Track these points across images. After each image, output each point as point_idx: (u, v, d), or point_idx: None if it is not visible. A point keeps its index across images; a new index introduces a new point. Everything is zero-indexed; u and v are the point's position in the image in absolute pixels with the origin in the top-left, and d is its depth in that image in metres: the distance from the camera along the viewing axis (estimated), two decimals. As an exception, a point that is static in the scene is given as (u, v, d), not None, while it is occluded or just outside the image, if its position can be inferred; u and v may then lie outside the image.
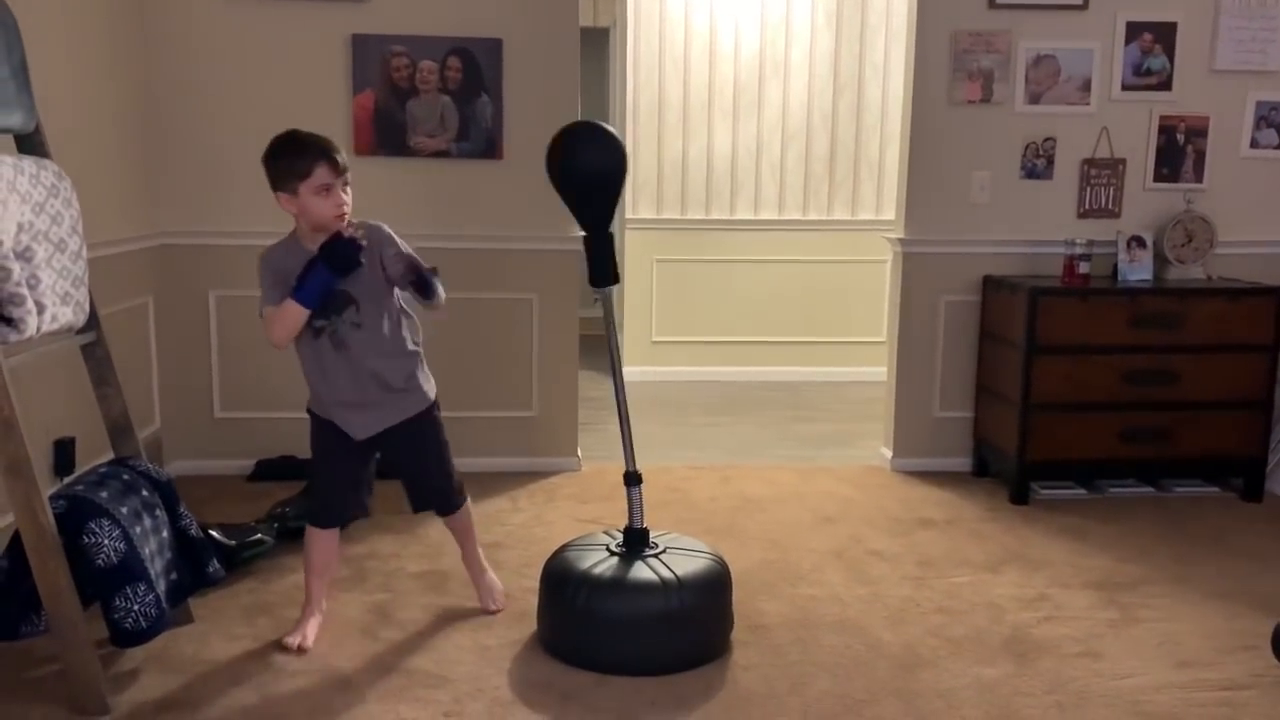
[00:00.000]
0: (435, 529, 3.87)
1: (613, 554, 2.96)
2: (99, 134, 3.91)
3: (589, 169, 2.87)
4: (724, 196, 6.65)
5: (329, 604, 3.22)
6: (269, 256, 2.83)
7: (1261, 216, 4.64)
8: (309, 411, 2.97)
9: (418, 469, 3.06)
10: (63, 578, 2.51)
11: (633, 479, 3.05)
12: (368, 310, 2.83)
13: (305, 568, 3.03)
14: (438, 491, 3.11)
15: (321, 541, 3.00)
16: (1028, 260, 4.58)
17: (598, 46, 7.37)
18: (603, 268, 2.98)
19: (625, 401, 3.09)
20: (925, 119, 4.52)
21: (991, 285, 4.52)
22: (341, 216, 2.75)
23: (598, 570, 2.89)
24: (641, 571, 2.88)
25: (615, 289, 3.08)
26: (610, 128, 2.94)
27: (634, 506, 3.03)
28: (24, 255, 2.57)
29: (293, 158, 2.70)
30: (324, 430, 2.94)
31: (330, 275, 2.72)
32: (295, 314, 2.74)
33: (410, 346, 2.94)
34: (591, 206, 2.93)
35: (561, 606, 2.90)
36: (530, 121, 4.44)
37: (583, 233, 3.02)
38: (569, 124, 3.00)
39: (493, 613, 3.16)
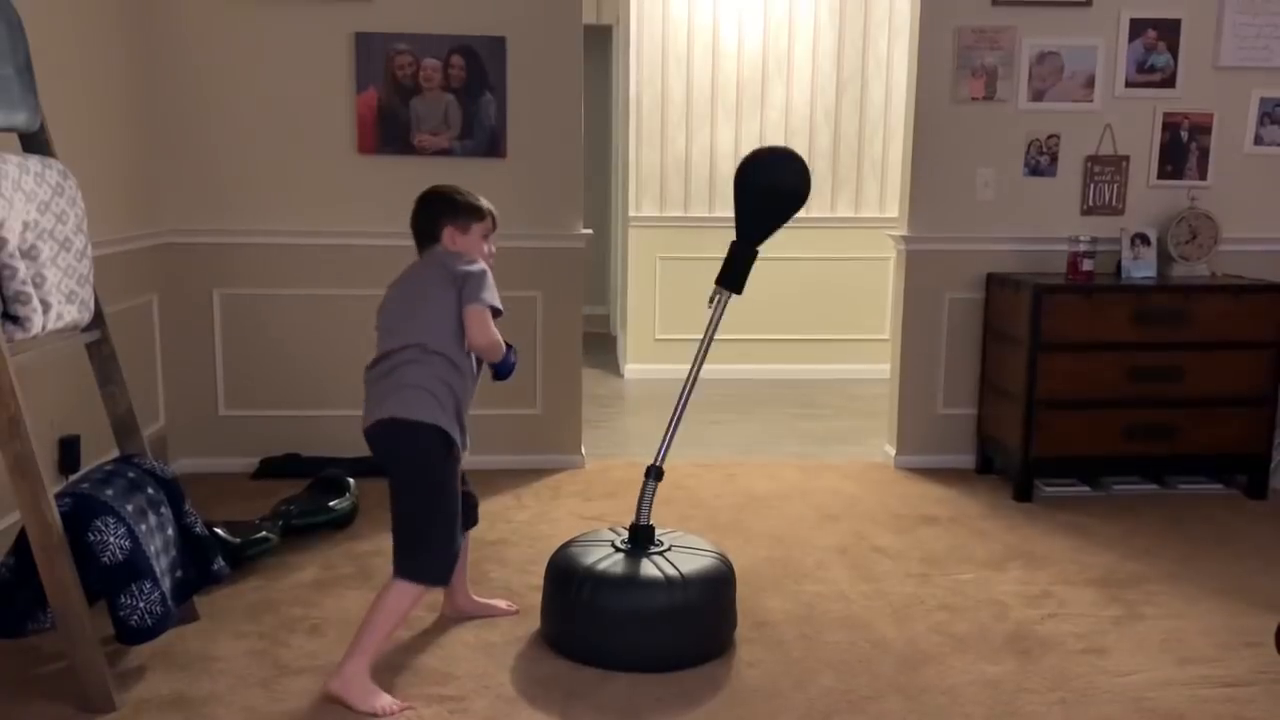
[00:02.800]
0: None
1: (617, 550, 2.97)
2: (104, 133, 3.92)
3: (773, 187, 3.07)
4: (727, 194, 6.58)
5: (334, 603, 3.23)
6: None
7: (1265, 213, 4.64)
8: (434, 432, 2.67)
9: (466, 479, 2.96)
10: (69, 575, 2.52)
11: (652, 472, 3.07)
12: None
13: (390, 630, 2.69)
14: (475, 500, 3.07)
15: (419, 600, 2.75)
16: (1032, 257, 4.58)
17: (601, 44, 7.37)
18: (739, 277, 3.19)
19: (686, 398, 3.20)
20: (929, 116, 4.52)
21: (995, 282, 4.52)
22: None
23: (602, 566, 2.89)
24: (646, 568, 2.89)
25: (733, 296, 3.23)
26: (803, 159, 3.10)
27: (644, 500, 3.03)
28: (29, 254, 2.58)
29: (471, 206, 2.84)
30: (453, 463, 2.73)
31: (511, 361, 2.85)
32: (500, 340, 2.78)
33: None
34: (758, 221, 3.11)
35: (565, 602, 2.90)
36: (533, 119, 4.44)
37: (734, 239, 3.16)
38: (770, 147, 3.19)
39: (515, 611, 3.17)
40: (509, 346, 2.82)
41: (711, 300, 3.19)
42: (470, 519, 3.00)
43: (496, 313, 2.74)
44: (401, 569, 2.66)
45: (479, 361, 2.83)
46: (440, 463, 2.69)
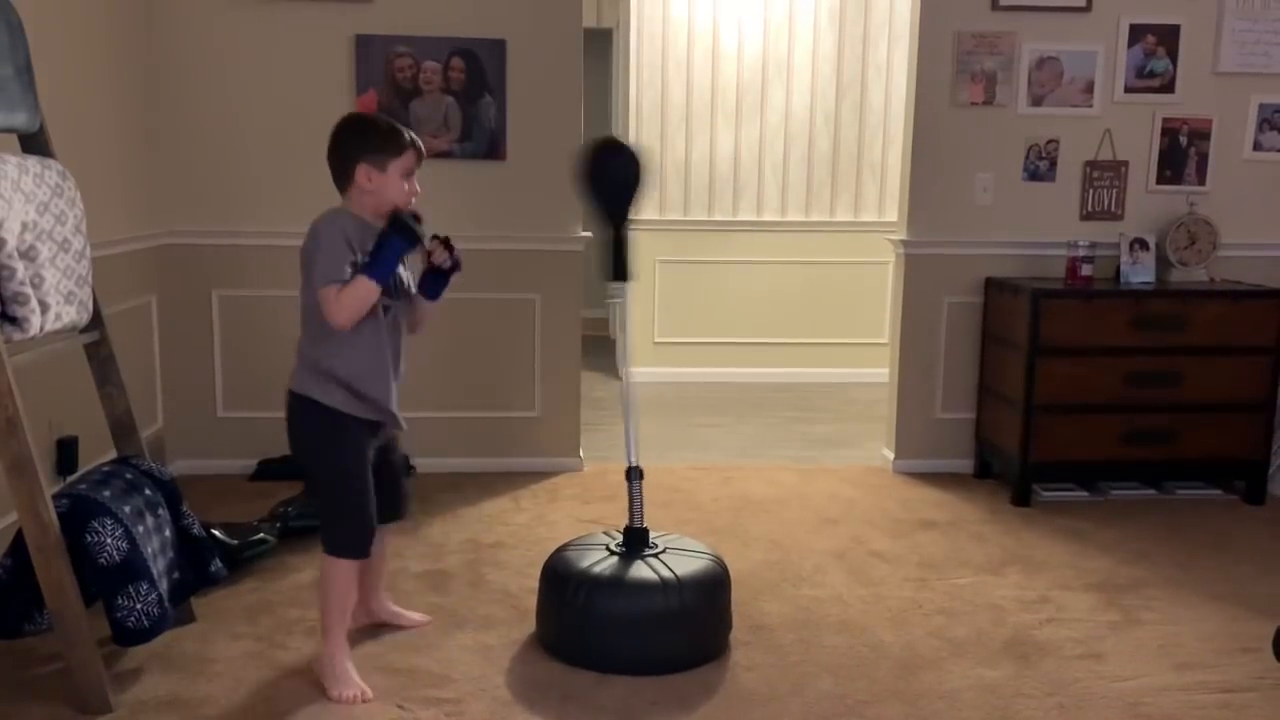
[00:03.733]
0: (436, 529, 3.88)
1: (612, 553, 2.97)
2: (103, 133, 3.92)
3: (613, 177, 3.05)
4: (726, 198, 6.65)
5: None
6: (340, 223, 2.60)
7: (1264, 219, 4.64)
8: (326, 412, 2.64)
9: (398, 465, 2.93)
10: (66, 576, 2.52)
11: (634, 474, 3.06)
12: (409, 300, 2.78)
13: (335, 608, 2.69)
14: (405, 491, 2.99)
15: (354, 574, 2.72)
16: (1030, 262, 4.58)
17: (601, 48, 7.36)
18: (623, 263, 3.14)
19: (631, 398, 3.14)
20: (928, 120, 4.53)
21: (994, 287, 4.52)
22: (407, 205, 2.68)
23: (597, 569, 2.89)
24: (641, 571, 2.88)
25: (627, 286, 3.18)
26: (630, 142, 3.09)
27: (634, 503, 3.03)
28: (28, 254, 2.58)
29: (391, 134, 2.63)
30: (353, 432, 2.67)
31: (403, 249, 2.60)
32: (370, 291, 2.55)
33: None
34: (613, 208, 3.10)
35: (561, 606, 2.90)
36: (533, 122, 4.44)
37: (588, 233, 3.10)
38: (590, 141, 3.14)
39: (427, 622, 3.09)
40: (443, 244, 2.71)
41: (610, 297, 3.22)
42: (393, 511, 2.91)
43: (381, 278, 2.55)
44: (322, 543, 2.70)
45: (394, 322, 2.70)
46: (331, 440, 2.66)
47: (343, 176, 2.64)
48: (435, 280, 2.79)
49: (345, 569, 2.69)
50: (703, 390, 6.41)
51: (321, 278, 2.55)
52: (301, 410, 2.68)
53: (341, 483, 2.68)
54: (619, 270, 3.11)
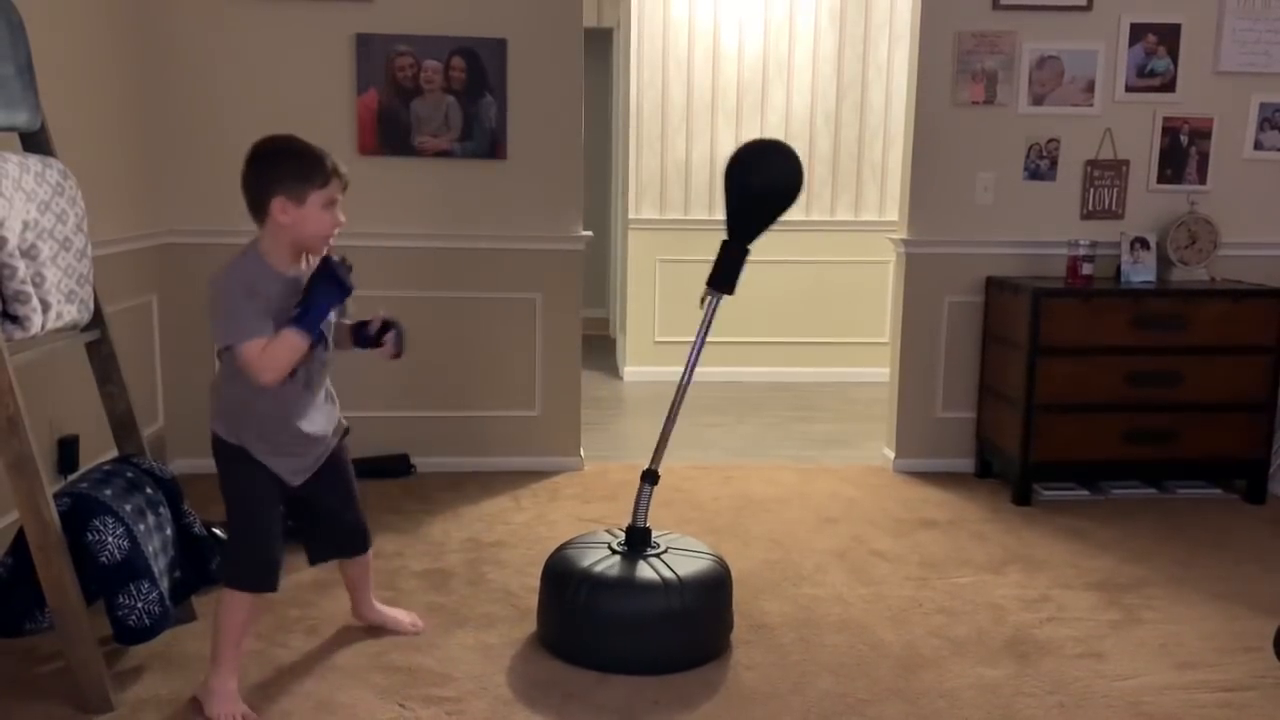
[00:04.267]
0: (437, 528, 3.88)
1: (614, 553, 2.97)
2: (104, 132, 3.92)
3: (763, 182, 2.92)
4: (727, 197, 6.64)
5: (332, 604, 3.22)
6: (239, 278, 2.41)
7: (1265, 218, 4.64)
8: (231, 448, 2.56)
9: (340, 503, 2.80)
10: (67, 575, 2.52)
11: (649, 476, 3.06)
12: (327, 349, 2.61)
13: (229, 641, 2.57)
14: (358, 527, 2.87)
15: (251, 608, 2.61)
16: (1031, 261, 4.58)
17: (601, 47, 7.37)
18: (731, 277, 3.08)
19: (680, 401, 3.11)
20: (929, 120, 4.53)
21: (995, 286, 4.52)
22: (330, 239, 2.51)
23: (598, 569, 2.89)
24: (642, 571, 2.89)
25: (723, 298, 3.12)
26: (795, 151, 2.96)
27: (641, 503, 3.03)
28: (29, 253, 2.58)
29: (310, 161, 2.42)
30: (260, 472, 2.56)
31: (335, 300, 2.46)
32: (297, 345, 2.40)
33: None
34: (750, 218, 2.97)
35: (562, 605, 2.90)
36: (534, 122, 4.44)
37: (725, 239, 3.03)
38: (760, 140, 3.03)
39: (420, 630, 3.03)
40: (386, 327, 2.59)
41: (703, 302, 3.10)
42: (351, 545, 2.88)
43: (310, 327, 2.39)
44: (223, 572, 2.65)
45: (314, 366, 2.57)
46: (238, 470, 2.57)
47: (257, 209, 2.44)
48: (366, 343, 2.67)
49: (244, 602, 2.58)
50: (703, 389, 6.40)
51: (236, 333, 2.38)
52: (214, 442, 2.61)
53: (244, 511, 2.60)
54: (722, 280, 3.08)
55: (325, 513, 2.80)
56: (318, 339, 2.49)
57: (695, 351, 3.12)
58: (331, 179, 2.45)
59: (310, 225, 2.44)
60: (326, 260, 2.47)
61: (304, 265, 2.53)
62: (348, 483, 2.82)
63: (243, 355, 2.39)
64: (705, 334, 3.10)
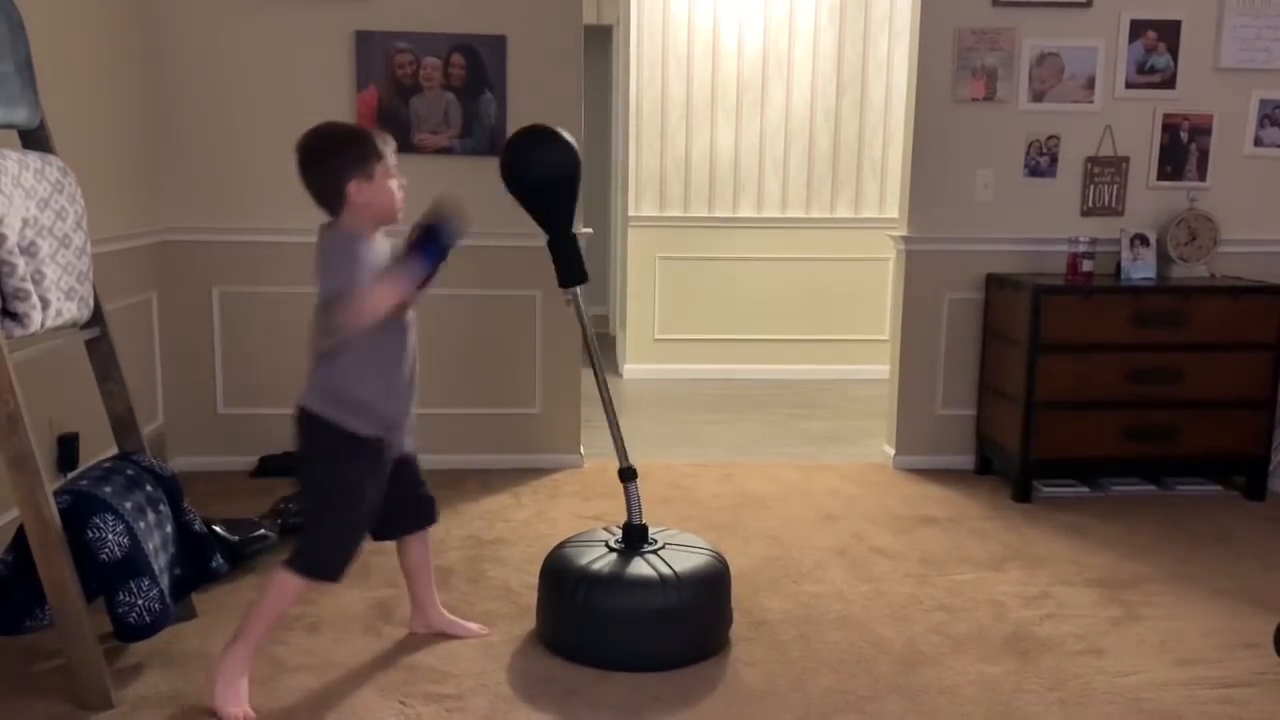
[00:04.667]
0: (437, 525, 3.85)
1: (611, 550, 2.97)
2: (103, 130, 3.91)
3: (538, 172, 2.85)
4: (727, 194, 6.65)
5: (332, 602, 3.22)
6: (350, 238, 2.48)
7: (1265, 215, 4.64)
8: (338, 432, 2.52)
9: (409, 476, 2.81)
10: (67, 572, 2.52)
11: (628, 474, 3.05)
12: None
13: (269, 622, 2.61)
14: (427, 497, 2.88)
15: (302, 595, 2.65)
16: (1031, 258, 4.58)
17: (601, 44, 7.37)
18: (572, 269, 2.95)
19: (610, 399, 3.07)
20: (928, 117, 4.52)
21: (995, 283, 4.52)
22: (401, 205, 2.57)
23: (596, 566, 2.89)
24: (640, 568, 2.88)
25: (586, 287, 3.04)
26: (559, 129, 2.87)
27: (631, 502, 3.03)
28: (29, 250, 2.58)
29: (363, 139, 2.48)
30: (366, 451, 2.56)
31: (445, 250, 2.51)
32: (407, 285, 2.46)
33: None
34: (548, 210, 2.91)
35: (560, 602, 2.90)
36: (534, 119, 4.36)
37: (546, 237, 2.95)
38: (515, 132, 2.94)
39: (487, 633, 3.02)
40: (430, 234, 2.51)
41: (568, 302, 3.02)
42: (423, 518, 2.89)
43: (427, 279, 2.47)
44: (291, 556, 2.59)
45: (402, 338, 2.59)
46: (341, 457, 2.55)
47: (333, 199, 2.47)
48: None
49: (298, 587, 2.59)
50: (703, 387, 6.41)
51: (352, 279, 2.41)
52: (313, 426, 2.55)
53: (342, 502, 2.56)
54: (568, 276, 2.95)
55: (400, 487, 2.74)
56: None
57: (591, 345, 3.08)
58: (386, 149, 2.52)
59: (384, 196, 2.51)
60: (430, 214, 2.52)
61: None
62: (415, 460, 2.83)
63: (351, 300, 2.40)
64: (591, 327, 3.07)
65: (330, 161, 2.47)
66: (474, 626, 3.03)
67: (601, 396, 3.06)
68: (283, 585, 2.58)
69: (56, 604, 2.53)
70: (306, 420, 2.56)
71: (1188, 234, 4.50)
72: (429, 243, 2.50)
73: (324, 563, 2.59)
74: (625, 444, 3.07)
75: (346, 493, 2.57)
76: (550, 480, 4.48)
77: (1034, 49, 4.46)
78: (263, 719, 2.55)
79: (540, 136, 2.89)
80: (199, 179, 4.37)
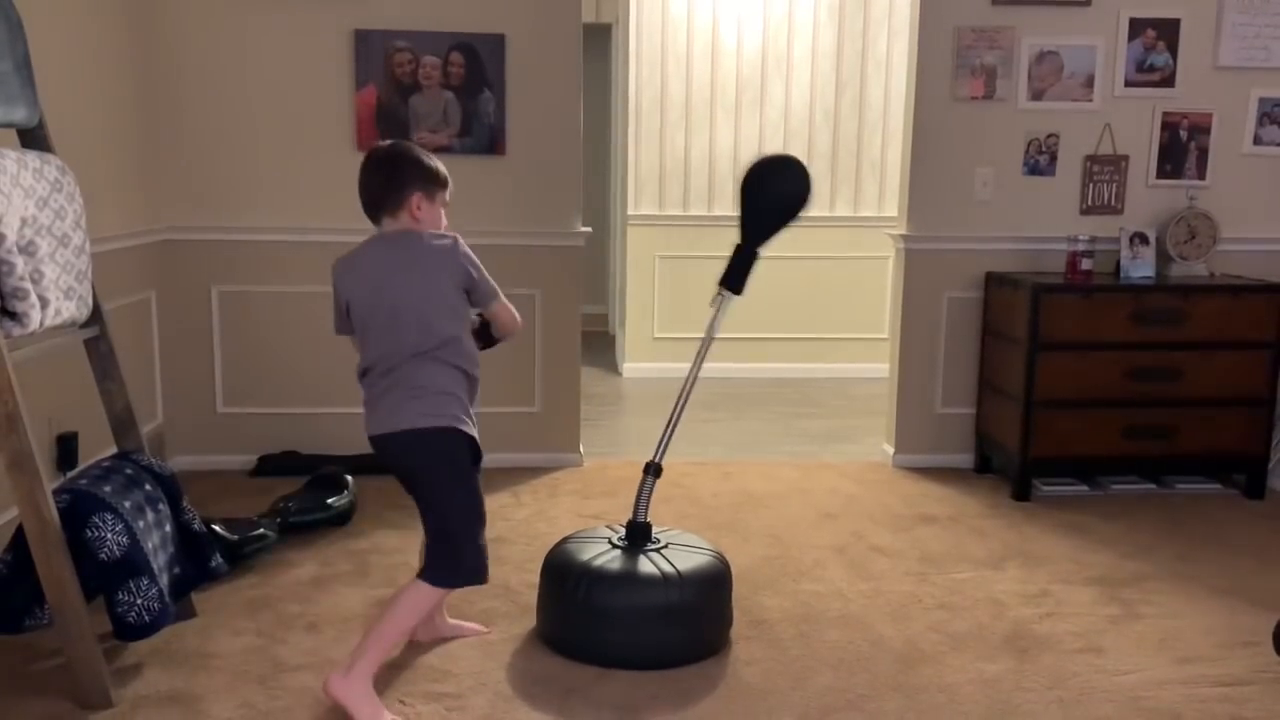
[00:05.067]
0: (437, 524, 3.88)
1: (614, 547, 2.97)
2: (102, 129, 3.91)
3: (777, 191, 3.12)
4: (726, 193, 6.65)
5: (332, 600, 3.23)
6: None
7: (1264, 213, 4.64)
8: (449, 435, 2.59)
9: None
10: (66, 571, 2.52)
11: (652, 469, 3.06)
12: None
13: (403, 633, 2.67)
14: None
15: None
16: (1030, 257, 4.58)
17: (600, 43, 7.36)
18: (740, 278, 3.24)
19: (687, 396, 3.23)
20: (928, 115, 4.52)
21: (994, 282, 4.52)
22: None
23: (598, 563, 2.89)
24: (642, 565, 2.89)
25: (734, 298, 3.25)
26: (804, 165, 3.15)
27: (641, 498, 3.03)
28: (27, 250, 2.58)
29: (435, 167, 2.66)
30: (471, 455, 2.66)
31: None
32: None
33: None
34: (761, 224, 3.17)
35: (561, 599, 2.90)
36: (533, 117, 4.44)
37: (739, 242, 3.21)
38: (775, 156, 3.23)
39: (487, 632, 3.03)
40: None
41: (713, 301, 3.21)
42: None
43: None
44: (433, 573, 2.59)
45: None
46: (469, 466, 2.63)
47: (393, 203, 2.61)
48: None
49: (436, 598, 2.65)
50: (703, 385, 6.35)
51: (497, 286, 2.67)
52: (442, 441, 2.58)
53: (476, 509, 2.64)
54: (734, 281, 3.23)
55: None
56: None
57: (705, 346, 3.21)
58: (448, 185, 2.70)
59: (435, 221, 2.66)
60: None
61: None
62: None
63: (506, 308, 2.71)
64: (715, 330, 3.22)
65: (404, 169, 2.61)
66: (475, 626, 3.04)
67: (681, 397, 3.25)
68: (421, 596, 2.59)
69: (56, 603, 2.53)
70: (432, 436, 2.57)
71: (1187, 232, 4.50)
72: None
73: (468, 571, 2.62)
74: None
75: (472, 494, 2.64)
76: (550, 479, 4.48)
77: (1033, 47, 4.46)
78: (262, 718, 2.55)
79: (784, 163, 3.18)
80: (198, 178, 4.37)
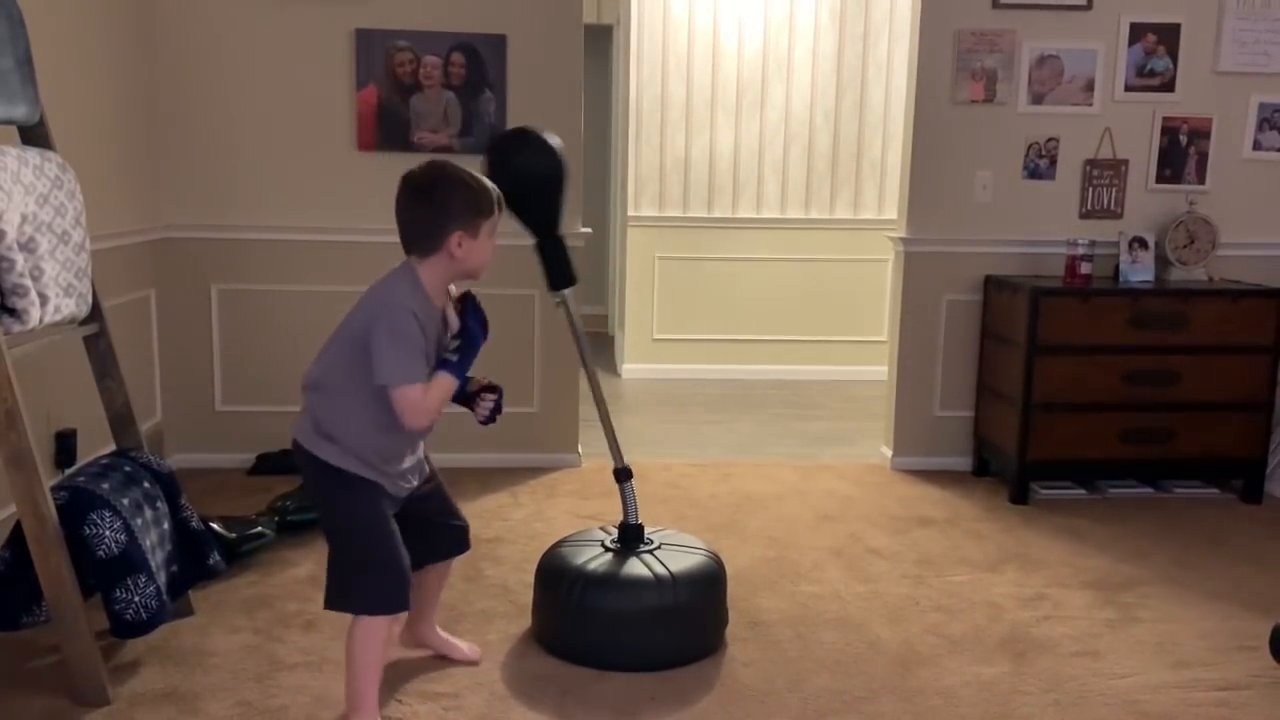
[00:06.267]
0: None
1: (607, 550, 2.97)
2: (103, 126, 3.91)
3: (521, 175, 2.76)
4: (726, 195, 6.65)
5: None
6: (412, 311, 2.33)
7: (1263, 218, 4.65)
8: (342, 474, 2.37)
9: (437, 510, 2.70)
10: (64, 569, 2.52)
11: (622, 475, 3.05)
12: None
13: (369, 673, 2.43)
14: (458, 528, 2.77)
15: (385, 630, 2.46)
16: (1029, 260, 4.58)
17: (601, 44, 7.37)
18: (560, 271, 2.93)
19: (603, 399, 3.09)
20: (928, 118, 4.53)
21: (993, 285, 4.52)
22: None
23: (592, 566, 2.89)
24: (635, 567, 2.89)
25: (574, 289, 3.03)
26: (543, 132, 2.83)
27: (627, 502, 3.03)
28: (27, 247, 2.58)
29: (480, 192, 2.35)
30: (371, 490, 2.40)
31: (483, 341, 2.43)
32: (450, 390, 2.38)
33: None
34: (533, 213, 2.84)
35: (555, 602, 2.90)
36: (533, 118, 4.41)
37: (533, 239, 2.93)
38: (494, 135, 2.90)
39: (478, 660, 2.88)
40: (489, 389, 2.52)
41: (557, 304, 3.02)
42: (453, 546, 2.77)
43: (452, 366, 2.36)
44: (342, 604, 2.42)
45: None
46: (343, 494, 2.40)
47: (429, 242, 2.35)
48: (460, 398, 2.53)
49: (378, 627, 2.40)
50: (701, 387, 6.41)
51: (400, 375, 2.28)
52: (310, 464, 2.42)
53: (368, 534, 2.40)
54: (557, 278, 2.93)
55: (425, 519, 2.63)
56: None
57: (582, 347, 3.07)
58: (496, 208, 2.41)
59: (479, 256, 2.40)
60: (471, 299, 2.45)
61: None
62: (440, 490, 2.71)
63: (403, 399, 2.30)
64: (581, 327, 3.07)
65: (441, 205, 2.35)
66: (466, 649, 2.88)
67: (595, 397, 3.07)
68: (363, 635, 2.40)
69: (54, 600, 2.53)
70: (301, 455, 2.42)
71: (1186, 237, 4.50)
72: (474, 322, 2.43)
73: (381, 598, 2.41)
74: (620, 445, 3.07)
75: (367, 525, 2.41)
76: (548, 479, 4.48)
77: (1034, 51, 4.46)
78: (259, 717, 2.55)
79: (518, 140, 2.84)
80: (198, 176, 4.37)
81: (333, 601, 2.44)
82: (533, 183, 2.80)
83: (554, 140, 2.84)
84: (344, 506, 2.42)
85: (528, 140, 2.82)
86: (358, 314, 2.41)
